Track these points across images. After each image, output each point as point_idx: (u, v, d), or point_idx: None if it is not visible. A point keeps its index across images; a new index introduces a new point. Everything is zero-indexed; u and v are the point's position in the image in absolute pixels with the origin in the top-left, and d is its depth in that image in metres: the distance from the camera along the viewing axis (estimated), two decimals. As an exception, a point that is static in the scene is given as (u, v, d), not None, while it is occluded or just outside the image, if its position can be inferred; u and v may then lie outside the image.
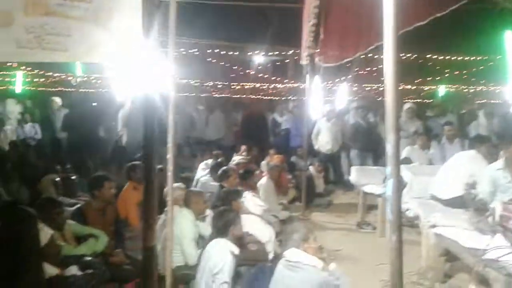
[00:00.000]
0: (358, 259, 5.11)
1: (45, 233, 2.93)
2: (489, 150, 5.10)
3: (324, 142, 8.84)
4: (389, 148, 2.18)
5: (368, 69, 11.94)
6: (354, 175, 6.86)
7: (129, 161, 6.14)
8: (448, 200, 4.89)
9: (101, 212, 4.47)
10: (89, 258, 3.57)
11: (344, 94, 10.07)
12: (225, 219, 3.65)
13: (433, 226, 4.43)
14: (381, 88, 13.60)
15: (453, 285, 4.48)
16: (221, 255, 3.44)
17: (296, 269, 3.10)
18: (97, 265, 3.34)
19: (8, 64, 9.04)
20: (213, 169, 6.38)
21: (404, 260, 5.04)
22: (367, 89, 12.69)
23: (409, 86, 13.46)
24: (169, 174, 3.38)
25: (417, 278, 4.60)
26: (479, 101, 12.99)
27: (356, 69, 11.45)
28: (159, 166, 5.96)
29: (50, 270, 2.89)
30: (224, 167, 5.94)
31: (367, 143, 8.65)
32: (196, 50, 10.07)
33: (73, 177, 5.69)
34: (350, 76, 11.60)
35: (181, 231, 4.23)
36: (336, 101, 9.94)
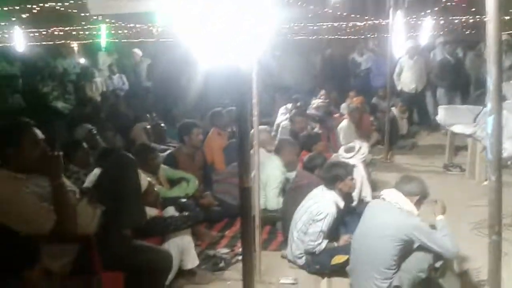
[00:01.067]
0: (446, 202, 4.96)
1: (144, 178, 3.14)
2: None
3: (407, 81, 8.43)
4: (490, 82, 2.03)
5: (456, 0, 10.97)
6: (442, 114, 6.51)
7: (211, 109, 6.35)
8: (548, 139, 4.53)
9: (190, 157, 4.71)
10: (184, 200, 3.77)
11: (429, 28, 9.42)
12: (334, 173, 3.56)
13: (531, 166, 4.16)
14: (471, 21, 12.51)
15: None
16: (326, 205, 3.45)
17: (386, 212, 3.07)
18: (191, 206, 3.54)
19: (94, 17, 9.45)
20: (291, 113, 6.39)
21: (498, 202, 4.81)
22: (455, 22, 11.70)
23: (504, 17, 12.24)
24: (254, 118, 3.43)
25: (511, 221, 4.40)
26: None
27: (444, 0, 10.58)
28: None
29: (150, 211, 3.11)
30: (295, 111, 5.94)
31: (455, 81, 8.12)
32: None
33: (162, 125, 5.98)
34: (436, 8, 10.75)
35: (268, 177, 4.36)
36: (420, 36, 9.33)
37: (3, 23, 10.64)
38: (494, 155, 2.05)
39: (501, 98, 2.10)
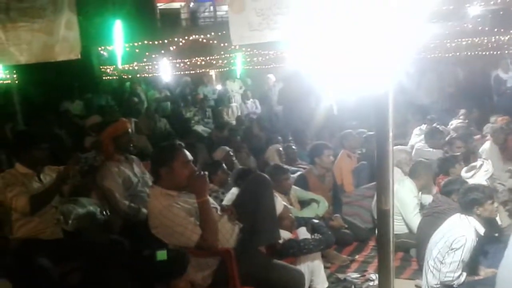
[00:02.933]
0: None
1: (280, 202, 3.31)
2: None
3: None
4: None
5: None
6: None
7: (341, 130, 6.36)
8: None
9: (321, 179, 4.79)
10: (316, 221, 3.84)
11: None
12: (471, 197, 3.32)
13: None
14: None
15: None
16: (464, 231, 3.24)
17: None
18: (324, 229, 3.59)
19: (231, 47, 10.15)
20: (428, 135, 6.10)
21: None
22: None
23: None
24: (390, 139, 3.36)
25: None
26: None
27: None
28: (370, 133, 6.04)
29: (285, 234, 3.24)
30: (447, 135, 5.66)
31: None
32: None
33: (293, 146, 6.17)
34: None
35: (401, 201, 4.23)
36: None
37: (153, 55, 12.00)
38: None
39: None
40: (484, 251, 3.51)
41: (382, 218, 1.95)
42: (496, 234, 3.81)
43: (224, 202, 3.72)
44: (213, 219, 2.79)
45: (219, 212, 2.98)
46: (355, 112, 7.48)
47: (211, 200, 2.97)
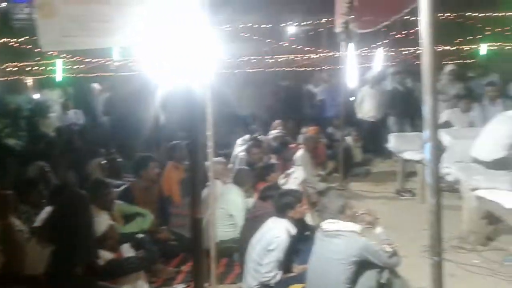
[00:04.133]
0: (398, 226, 5.11)
1: (105, 221, 3.12)
2: (533, 109, 4.94)
3: (367, 109, 8.76)
4: (426, 111, 2.17)
5: (405, 32, 11.57)
6: (393, 142, 6.79)
7: (168, 142, 6.35)
8: (489, 162, 4.78)
9: (146, 191, 4.69)
10: (140, 236, 3.73)
11: (381, 60, 9.87)
12: (285, 201, 3.65)
13: (475, 189, 4.39)
14: (419, 52, 13.11)
15: (496, 247, 4.44)
16: (278, 233, 3.51)
17: (334, 238, 3.17)
18: (148, 244, 3.51)
19: (49, 53, 9.34)
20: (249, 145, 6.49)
21: (444, 225, 5.03)
22: (404, 53, 12.32)
23: (448, 47, 12.96)
24: (209, 150, 3.47)
25: (458, 242, 4.58)
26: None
27: (393, 33, 11.14)
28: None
29: (106, 254, 3.08)
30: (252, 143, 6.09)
31: (405, 109, 8.49)
32: (228, 26, 10.05)
33: (118, 159, 5.93)
34: (386, 41, 11.30)
35: (233, 206, 4.40)
36: (374, 67, 9.77)
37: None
38: (433, 179, 2.18)
39: (436, 126, 2.26)
40: (297, 249, 3.84)
41: (196, 226, 2.00)
42: (307, 233, 4.22)
43: (36, 223, 3.36)
44: (17, 243, 2.50)
45: (27, 235, 2.68)
46: (182, 123, 7.53)
47: (17, 222, 2.66)
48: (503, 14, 10.85)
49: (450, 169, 5.05)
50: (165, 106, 8.32)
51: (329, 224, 3.27)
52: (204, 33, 2.83)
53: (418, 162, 6.01)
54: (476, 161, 4.97)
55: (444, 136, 5.49)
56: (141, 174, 4.69)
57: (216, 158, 5.18)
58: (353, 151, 7.99)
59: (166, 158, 5.83)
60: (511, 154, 4.68)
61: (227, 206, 4.48)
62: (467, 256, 4.37)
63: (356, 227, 3.25)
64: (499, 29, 11.28)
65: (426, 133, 2.18)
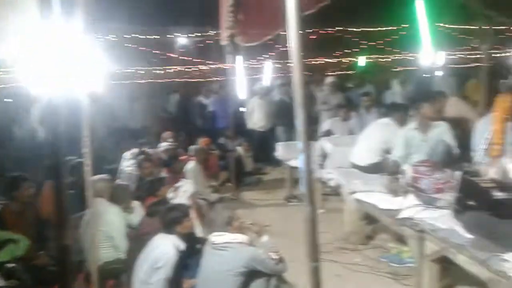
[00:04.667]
0: (287, 232, 5.27)
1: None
2: (402, 116, 5.42)
3: (257, 120, 8.95)
4: (298, 124, 2.26)
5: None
6: (280, 150, 7.04)
7: (47, 159, 5.87)
8: (366, 167, 5.16)
9: (20, 214, 4.28)
10: (12, 265, 3.40)
11: (269, 71, 10.19)
12: (172, 216, 3.56)
13: (353, 192, 4.69)
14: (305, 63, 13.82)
15: (375, 245, 4.78)
16: (165, 250, 3.41)
17: (222, 250, 3.17)
18: (19, 272, 3.19)
19: None
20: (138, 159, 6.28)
21: (329, 228, 5.31)
22: (289, 65, 12.89)
23: (330, 60, 13.87)
24: (87, 168, 3.27)
25: (342, 243, 4.86)
26: (394, 69, 13.67)
27: (279, 46, 11.59)
28: (78, 160, 5.80)
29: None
30: (142, 157, 5.93)
31: (292, 119, 8.79)
32: (114, 36, 9.70)
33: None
34: (273, 53, 11.73)
35: (112, 227, 4.16)
36: (264, 79, 10.05)
37: None
38: (307, 188, 2.27)
39: (309, 138, 2.36)
40: (186, 264, 3.76)
41: (63, 254, 1.86)
42: (198, 246, 4.16)
43: None
44: None
45: None
46: (62, 138, 7.04)
47: None
48: (378, 29, 11.90)
49: (332, 175, 5.36)
50: (44, 120, 7.73)
51: (216, 237, 3.26)
52: (86, 43, 2.67)
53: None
54: (355, 166, 5.33)
55: (326, 144, 5.82)
56: (13, 195, 4.26)
57: (100, 175, 4.93)
58: (244, 161, 8.13)
59: (45, 177, 5.37)
60: (384, 159, 5.10)
61: (106, 227, 4.25)
62: (350, 255, 4.64)
63: (243, 238, 3.29)
64: (374, 43, 12.35)
65: (299, 144, 2.27)
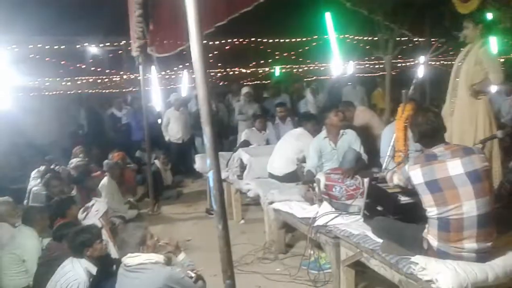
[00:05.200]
0: (208, 246, 5.20)
1: None
2: (314, 126, 5.58)
3: (174, 131, 8.78)
4: (206, 141, 2.22)
5: (210, 55, 12.08)
6: (198, 162, 6.95)
7: None
8: (282, 176, 5.25)
9: None
10: None
11: (185, 82, 10.09)
12: (81, 239, 3.34)
13: (271, 202, 4.73)
14: (219, 74, 13.95)
15: (295, 253, 4.85)
16: (75, 276, 3.21)
17: (138, 272, 3.03)
18: None
19: None
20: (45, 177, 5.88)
21: (251, 238, 5.32)
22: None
23: (247, 70, 14.03)
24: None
25: (263, 253, 4.88)
26: (308, 79, 14.14)
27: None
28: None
29: None
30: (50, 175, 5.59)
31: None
32: (15, 46, 9.03)
33: None
34: (189, 63, 11.59)
35: (26, 251, 3.90)
36: (180, 89, 9.91)
37: None
38: (218, 206, 2.24)
39: (218, 155, 2.33)
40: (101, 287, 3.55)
41: None
42: (113, 268, 3.95)
43: None
44: None
45: None
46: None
47: None
48: (291, 40, 12.21)
49: (250, 185, 5.38)
50: None
51: (130, 259, 3.10)
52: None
53: (223, 180, 6.23)
54: (272, 176, 5.40)
55: (244, 155, 5.83)
56: None
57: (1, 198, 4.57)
58: (162, 174, 7.93)
59: None
60: (299, 168, 5.22)
61: (18, 250, 3.95)
62: (270, 265, 4.66)
63: (159, 257, 3.16)
64: (286, 54, 12.67)
65: (208, 161, 2.23)
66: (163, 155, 8.16)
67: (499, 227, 2.76)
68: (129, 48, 8.09)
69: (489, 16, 5.49)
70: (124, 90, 12.06)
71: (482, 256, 2.67)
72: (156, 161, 7.91)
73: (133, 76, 11.00)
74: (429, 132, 2.90)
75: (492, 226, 2.69)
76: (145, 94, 7.51)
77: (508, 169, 4.34)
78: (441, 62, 11.94)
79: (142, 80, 7.16)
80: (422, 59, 8.09)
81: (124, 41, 9.38)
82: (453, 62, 4.60)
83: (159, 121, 9.34)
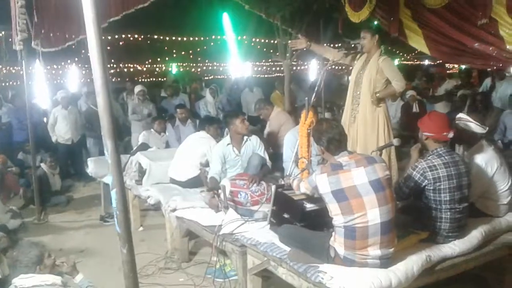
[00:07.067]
0: (105, 256, 4.86)
1: None
2: (215, 129, 5.49)
3: (62, 132, 8.09)
4: (108, 156, 2.00)
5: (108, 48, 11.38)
6: (91, 166, 6.46)
7: None
8: (185, 181, 5.07)
9: None
10: None
11: (74, 78, 9.38)
12: None
13: (174, 209, 4.53)
14: (112, 71, 13.21)
15: (199, 261, 4.71)
16: None
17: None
18: None
19: None
20: None
21: (151, 246, 5.08)
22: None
23: (142, 67, 13.55)
24: None
25: (165, 263, 4.67)
26: (205, 78, 14.03)
27: (84, 51, 10.76)
28: None
29: None
30: None
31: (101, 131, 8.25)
32: None
33: None
34: (78, 58, 10.82)
35: None
36: (68, 86, 9.17)
37: None
38: (123, 228, 2.03)
39: (121, 171, 2.12)
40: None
41: None
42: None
43: None
44: None
45: None
46: None
47: None
48: (188, 38, 12.03)
49: (150, 192, 5.11)
50: None
51: (23, 280, 2.73)
52: None
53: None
54: (174, 181, 5.19)
55: (143, 159, 5.53)
56: None
57: None
58: (50, 179, 7.25)
59: None
60: (203, 173, 5.07)
61: None
62: (173, 275, 4.46)
63: (55, 278, 2.84)
64: (184, 52, 12.47)
65: (110, 179, 2.02)
66: (50, 158, 7.42)
67: (397, 231, 2.91)
68: (10, 39, 7.29)
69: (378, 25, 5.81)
70: (3, 84, 10.83)
71: (385, 262, 2.78)
72: (42, 164, 7.22)
73: (14, 70, 9.95)
74: (337, 136, 2.94)
75: (394, 232, 2.82)
76: (28, 90, 6.79)
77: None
78: (334, 67, 12.60)
79: (26, 74, 6.47)
80: (316, 63, 8.43)
81: (4, 31, 8.45)
82: (344, 68, 4.80)
83: (45, 120, 8.54)
